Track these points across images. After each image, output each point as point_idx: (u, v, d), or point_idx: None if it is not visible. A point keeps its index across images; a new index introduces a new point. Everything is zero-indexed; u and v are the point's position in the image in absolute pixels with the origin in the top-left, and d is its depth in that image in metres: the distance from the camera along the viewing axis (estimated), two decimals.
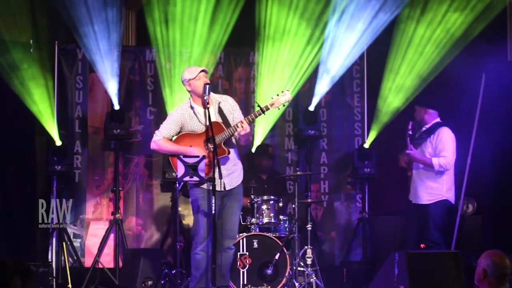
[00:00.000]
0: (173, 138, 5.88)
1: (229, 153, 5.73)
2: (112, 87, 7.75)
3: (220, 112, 5.79)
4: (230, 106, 5.88)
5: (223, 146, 5.69)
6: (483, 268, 3.65)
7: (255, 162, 7.73)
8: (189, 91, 5.84)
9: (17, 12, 7.41)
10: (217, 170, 5.39)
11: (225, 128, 5.68)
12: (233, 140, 5.84)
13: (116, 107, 7.80)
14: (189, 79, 5.77)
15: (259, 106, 5.66)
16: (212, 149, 5.58)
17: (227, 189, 5.78)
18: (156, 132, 5.88)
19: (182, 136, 5.82)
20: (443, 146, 6.73)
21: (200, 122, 5.77)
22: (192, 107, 5.80)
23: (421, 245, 6.87)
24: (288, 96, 5.73)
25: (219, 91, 7.93)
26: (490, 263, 3.64)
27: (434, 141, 6.79)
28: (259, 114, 5.68)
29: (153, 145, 5.87)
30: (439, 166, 6.68)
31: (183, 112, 5.82)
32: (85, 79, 8.07)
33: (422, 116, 6.87)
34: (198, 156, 5.53)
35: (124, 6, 8.19)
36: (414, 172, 6.91)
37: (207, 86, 5.59)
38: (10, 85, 7.33)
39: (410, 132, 6.80)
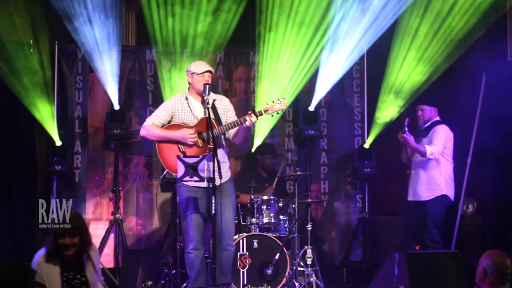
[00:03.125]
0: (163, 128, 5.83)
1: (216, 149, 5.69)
2: (112, 87, 7.75)
3: (214, 110, 5.77)
4: (225, 106, 5.88)
5: (211, 142, 5.67)
6: (483, 268, 3.66)
7: (258, 161, 7.71)
8: (189, 82, 5.85)
9: (17, 12, 7.41)
10: (216, 168, 5.36)
11: (216, 126, 5.67)
12: (222, 139, 5.82)
13: (116, 107, 7.81)
14: (193, 73, 5.78)
15: (253, 110, 5.65)
16: (201, 145, 5.60)
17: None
18: (147, 119, 5.89)
19: (172, 126, 5.79)
20: (435, 137, 6.78)
21: (192, 114, 5.76)
22: (186, 98, 5.80)
23: (416, 246, 6.88)
24: (283, 105, 5.71)
25: (219, 91, 7.93)
26: (490, 263, 3.65)
27: (429, 136, 6.85)
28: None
29: (142, 131, 5.86)
30: (430, 153, 6.71)
31: (176, 101, 5.83)
32: (85, 79, 8.07)
33: (425, 115, 6.93)
34: (198, 156, 5.52)
35: (124, 6, 8.19)
36: (413, 172, 6.94)
37: (207, 86, 5.59)
38: (9, 85, 7.33)
39: (406, 129, 6.88)
